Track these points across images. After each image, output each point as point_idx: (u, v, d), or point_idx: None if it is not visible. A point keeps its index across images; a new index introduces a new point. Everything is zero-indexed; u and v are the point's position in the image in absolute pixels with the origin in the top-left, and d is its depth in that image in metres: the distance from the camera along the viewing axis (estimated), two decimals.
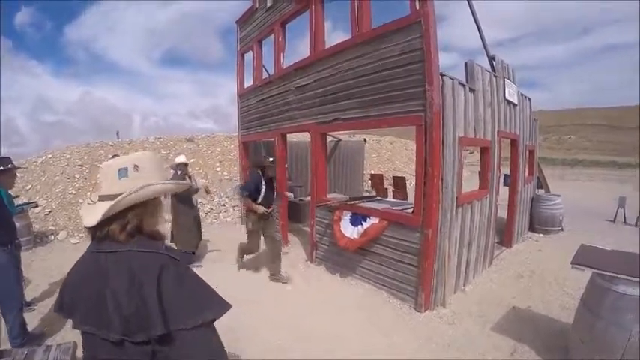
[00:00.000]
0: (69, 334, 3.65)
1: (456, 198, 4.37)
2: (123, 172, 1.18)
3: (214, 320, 1.11)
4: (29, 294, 4.71)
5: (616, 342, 2.66)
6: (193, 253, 5.95)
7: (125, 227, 1.15)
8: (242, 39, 8.52)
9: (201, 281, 1.17)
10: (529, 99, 7.33)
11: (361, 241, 4.74)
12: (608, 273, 2.79)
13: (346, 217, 5.03)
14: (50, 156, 10.31)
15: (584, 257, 3.14)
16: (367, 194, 8.54)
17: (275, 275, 5.20)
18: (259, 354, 3.45)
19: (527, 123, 7.16)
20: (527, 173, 7.76)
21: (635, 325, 2.59)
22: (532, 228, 7.99)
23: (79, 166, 9.82)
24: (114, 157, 4.03)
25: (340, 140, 9.37)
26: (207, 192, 6.41)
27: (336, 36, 5.37)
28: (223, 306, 1.14)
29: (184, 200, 5.65)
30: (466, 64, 4.80)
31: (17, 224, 6.13)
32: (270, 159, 5.32)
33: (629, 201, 9.02)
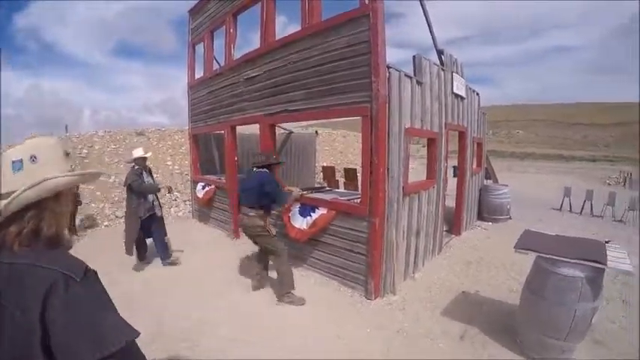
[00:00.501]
0: None
1: (403, 187, 4.45)
2: (17, 165, 0.98)
3: (117, 353, 0.86)
4: None
5: (561, 321, 2.84)
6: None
7: (21, 232, 0.94)
8: (194, 29, 8.27)
9: (104, 303, 0.96)
10: (477, 93, 7.60)
11: (311, 231, 4.75)
12: (550, 256, 2.96)
13: (295, 209, 5.01)
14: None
15: (528, 242, 3.31)
16: (318, 186, 8.60)
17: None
18: (206, 345, 3.44)
19: (475, 116, 7.43)
20: (475, 164, 8.07)
21: (579, 304, 2.77)
22: (481, 217, 8.35)
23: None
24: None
25: (292, 132, 9.32)
26: (170, 191, 6.01)
27: (292, 29, 5.36)
28: (129, 333, 0.93)
29: (136, 196, 5.14)
30: (414, 57, 4.90)
31: None
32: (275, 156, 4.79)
33: (574, 191, 9.62)
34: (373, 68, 3.87)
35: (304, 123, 5.73)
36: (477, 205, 8.21)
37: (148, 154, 5.59)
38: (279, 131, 10.15)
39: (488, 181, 9.24)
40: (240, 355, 3.29)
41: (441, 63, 5.64)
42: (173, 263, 5.50)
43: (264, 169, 4.36)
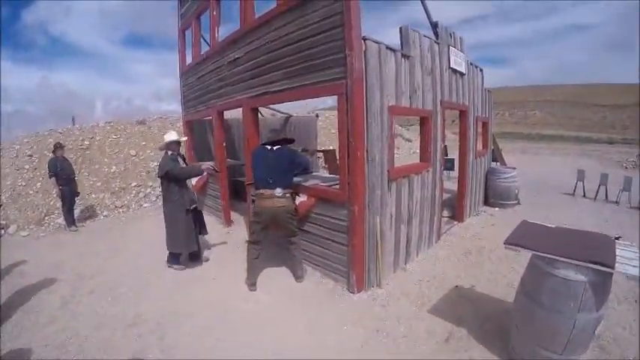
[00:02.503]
0: (22, 321, 3.71)
1: (387, 172, 4.11)
2: None
3: None
4: None
5: (558, 332, 2.44)
6: (176, 254, 4.89)
7: None
8: (183, 15, 8.02)
9: None
10: (481, 70, 7.12)
11: None
12: (547, 255, 2.51)
13: None
14: None
15: (523, 236, 2.86)
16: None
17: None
18: (186, 333, 3.41)
19: (478, 94, 6.96)
20: (480, 146, 7.61)
21: (580, 315, 2.35)
22: (487, 202, 7.90)
23: (28, 156, 9.22)
24: (55, 145, 5.22)
25: (291, 116, 9.03)
26: (217, 170, 5.24)
27: (273, 6, 5.02)
28: None
29: (176, 186, 4.61)
30: (401, 29, 4.49)
31: None
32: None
33: (588, 174, 9.01)
34: (347, 41, 3.50)
35: (281, 103, 5.34)
36: (482, 189, 7.76)
37: (183, 139, 5.12)
38: (277, 115, 9.90)
39: (496, 163, 8.74)
40: (208, 344, 3.21)
41: (436, 36, 5.22)
42: (180, 269, 4.91)
43: (285, 145, 4.24)
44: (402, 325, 3.42)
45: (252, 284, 4.24)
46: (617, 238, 2.80)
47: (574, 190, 8.81)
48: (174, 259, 4.88)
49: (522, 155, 18.02)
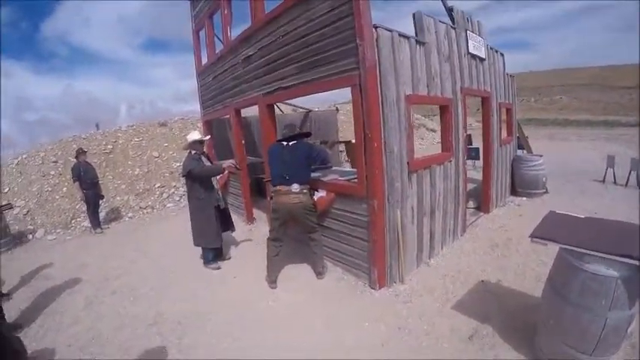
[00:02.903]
0: (46, 322, 3.82)
1: (407, 163, 3.98)
2: None
3: None
4: (5, 289, 4.71)
5: (587, 331, 2.26)
6: (216, 250, 4.98)
7: None
8: (195, 16, 8.06)
9: None
10: (502, 54, 6.84)
11: None
12: (575, 249, 2.32)
13: None
14: (25, 156, 10.01)
15: (550, 228, 2.67)
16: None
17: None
18: (205, 332, 3.43)
19: (500, 79, 6.69)
20: (505, 133, 7.34)
21: (611, 313, 2.18)
22: (514, 191, 7.61)
23: (53, 162, 9.54)
24: (77, 151, 5.53)
25: (310, 110, 8.96)
26: (238, 168, 5.21)
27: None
28: None
29: (202, 184, 4.64)
30: (414, 15, 4.34)
31: None
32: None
33: (618, 160, 8.56)
34: (357, 30, 3.38)
35: (294, 98, 5.30)
36: (508, 178, 7.47)
37: (206, 138, 5.12)
38: (296, 110, 9.86)
39: (522, 151, 8.41)
40: (226, 344, 3.21)
41: (452, 21, 5.02)
42: (215, 268, 4.92)
43: (301, 140, 4.17)
44: (424, 322, 3.30)
45: (272, 282, 4.20)
46: None
47: (604, 177, 8.37)
48: (208, 257, 4.92)
49: (549, 142, 17.34)
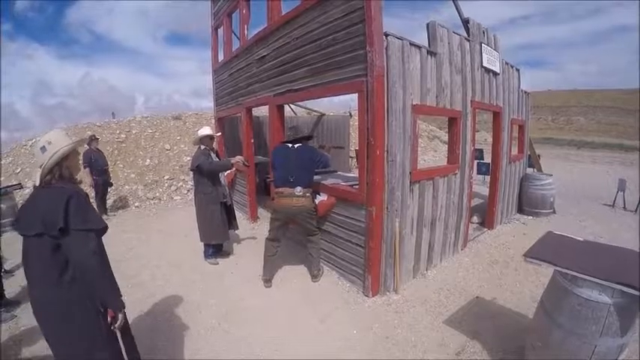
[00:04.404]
0: None
1: (410, 173, 3.97)
2: (43, 149, 1.96)
3: (97, 231, 1.93)
4: (8, 266, 4.87)
5: (577, 356, 2.22)
6: (217, 246, 5.06)
7: (54, 175, 1.95)
8: (215, 14, 8.19)
9: (91, 207, 1.96)
10: (517, 70, 6.78)
11: None
12: (569, 272, 2.28)
13: None
14: (39, 138, 10.24)
15: (545, 249, 2.62)
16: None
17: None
18: (196, 323, 3.49)
19: (514, 95, 6.63)
20: (515, 150, 7.27)
21: (601, 339, 2.14)
22: (521, 209, 7.52)
23: None
24: (90, 137, 5.83)
25: (324, 114, 8.99)
26: (246, 165, 5.13)
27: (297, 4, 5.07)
28: (103, 223, 1.97)
29: (209, 179, 4.69)
30: (428, 25, 4.33)
31: (3, 206, 6.20)
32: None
33: (631, 185, 8.38)
34: (368, 37, 3.40)
35: (303, 101, 5.37)
36: (516, 196, 7.39)
37: (217, 134, 5.18)
38: (310, 114, 9.91)
39: (532, 169, 8.30)
40: (216, 335, 3.23)
41: (467, 33, 5.00)
42: (214, 263, 4.97)
43: (304, 143, 4.22)
44: (413, 334, 3.28)
45: (266, 280, 4.23)
46: None
47: (614, 201, 8.20)
48: (209, 252, 4.98)
49: (563, 162, 17.10)
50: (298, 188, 3.94)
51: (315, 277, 4.32)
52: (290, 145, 4.18)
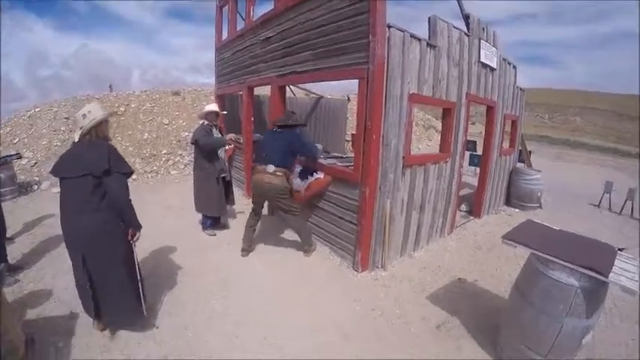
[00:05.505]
0: (45, 266, 4.12)
1: (403, 158, 4.20)
2: (84, 116, 2.63)
3: (128, 174, 2.70)
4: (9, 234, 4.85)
5: (544, 333, 2.45)
6: (215, 219, 5.29)
7: (92, 136, 2.65)
8: None
9: (122, 157, 2.70)
10: (514, 66, 6.98)
11: (306, 195, 4.65)
12: (541, 254, 2.50)
13: (297, 171, 4.91)
14: (38, 110, 10.27)
15: (523, 234, 2.86)
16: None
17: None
18: (192, 290, 3.70)
19: (509, 91, 6.85)
20: (507, 144, 7.52)
21: (567, 319, 2.36)
22: (509, 202, 7.82)
23: (65, 118, 9.80)
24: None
25: (322, 97, 9.11)
26: (239, 142, 5.54)
27: None
28: (131, 169, 2.73)
29: (207, 155, 4.86)
30: (429, 18, 4.51)
31: (1, 175, 6.34)
32: (296, 116, 4.50)
33: (618, 188, 8.68)
34: (371, 27, 3.59)
35: (306, 83, 5.56)
36: (504, 188, 7.68)
37: (224, 112, 5.29)
38: (309, 95, 10.04)
39: (522, 164, 8.57)
40: (212, 302, 3.47)
41: (467, 28, 5.18)
42: (211, 234, 5.22)
43: (291, 129, 4.33)
44: (398, 306, 3.55)
45: (243, 250, 4.53)
46: (620, 250, 2.73)
47: (599, 202, 8.53)
48: (207, 223, 5.21)
49: (556, 161, 17.43)
50: (270, 166, 4.09)
51: (306, 252, 4.56)
52: (278, 129, 4.35)
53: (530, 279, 2.61)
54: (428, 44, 4.31)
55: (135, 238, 2.78)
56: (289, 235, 5.14)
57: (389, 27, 3.69)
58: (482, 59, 5.51)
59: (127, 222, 2.71)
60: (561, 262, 2.39)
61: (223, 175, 5.06)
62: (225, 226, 5.48)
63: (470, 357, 2.90)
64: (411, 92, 4.13)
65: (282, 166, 4.15)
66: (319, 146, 4.91)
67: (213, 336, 3.00)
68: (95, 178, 2.50)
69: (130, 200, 2.70)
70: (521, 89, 7.57)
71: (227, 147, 5.12)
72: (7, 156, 6.82)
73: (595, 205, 8.53)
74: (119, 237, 2.69)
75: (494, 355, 2.89)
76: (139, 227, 2.78)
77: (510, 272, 4.42)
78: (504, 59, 6.43)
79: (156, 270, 4.03)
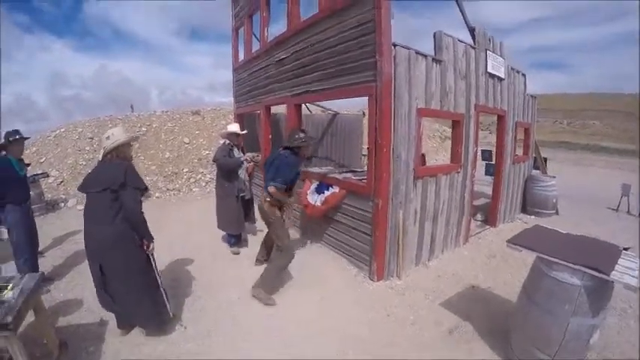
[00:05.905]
0: (75, 279, 4.38)
1: (413, 170, 4.36)
2: (107, 138, 2.94)
3: (142, 190, 2.93)
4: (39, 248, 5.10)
5: (551, 334, 2.50)
6: (237, 236, 5.38)
7: (113, 156, 2.94)
8: (236, 15, 8.67)
9: (138, 174, 2.96)
10: (523, 75, 7.07)
11: (322, 209, 4.84)
12: (545, 256, 2.60)
13: (313, 186, 5.13)
14: (63, 130, 10.81)
15: (528, 237, 2.97)
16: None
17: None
18: (213, 300, 3.89)
19: (519, 99, 6.93)
20: (520, 152, 7.57)
21: (573, 318, 2.41)
22: (524, 209, 7.83)
23: (89, 138, 10.27)
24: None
25: (338, 113, 9.33)
26: (255, 162, 5.51)
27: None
28: (145, 185, 2.99)
29: (226, 174, 5.02)
30: (434, 34, 4.70)
31: (31, 193, 6.72)
32: (302, 135, 4.05)
33: (636, 190, 8.57)
34: (377, 46, 3.81)
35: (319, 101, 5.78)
36: (520, 196, 7.70)
37: (243, 132, 5.38)
38: (325, 112, 10.28)
39: (537, 171, 8.57)
40: (231, 312, 3.62)
41: (474, 40, 5.35)
42: (235, 252, 5.29)
43: (286, 150, 3.98)
44: (411, 313, 3.67)
45: (257, 260, 4.72)
46: (625, 249, 2.79)
47: (618, 206, 8.44)
48: (230, 241, 5.39)
49: (574, 166, 17.16)
50: (265, 192, 3.93)
51: (256, 295, 3.89)
52: (282, 150, 4.07)
53: (535, 281, 2.70)
54: (434, 59, 4.49)
55: (150, 248, 3.03)
56: (306, 249, 5.33)
57: (394, 45, 3.90)
58: (490, 70, 5.64)
59: (140, 234, 2.93)
60: (562, 262, 2.48)
61: (242, 194, 5.19)
62: (246, 242, 5.64)
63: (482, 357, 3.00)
64: (419, 107, 4.32)
65: (268, 192, 3.90)
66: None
67: (236, 342, 3.17)
68: (112, 192, 2.75)
69: (143, 213, 2.92)
70: (532, 96, 7.64)
71: (247, 165, 5.26)
72: (35, 175, 7.20)
73: (613, 209, 8.44)
74: (134, 248, 2.91)
75: (505, 357, 2.97)
76: (151, 239, 3.01)
77: (523, 279, 4.46)
78: (513, 68, 6.55)
79: (176, 282, 4.25)
